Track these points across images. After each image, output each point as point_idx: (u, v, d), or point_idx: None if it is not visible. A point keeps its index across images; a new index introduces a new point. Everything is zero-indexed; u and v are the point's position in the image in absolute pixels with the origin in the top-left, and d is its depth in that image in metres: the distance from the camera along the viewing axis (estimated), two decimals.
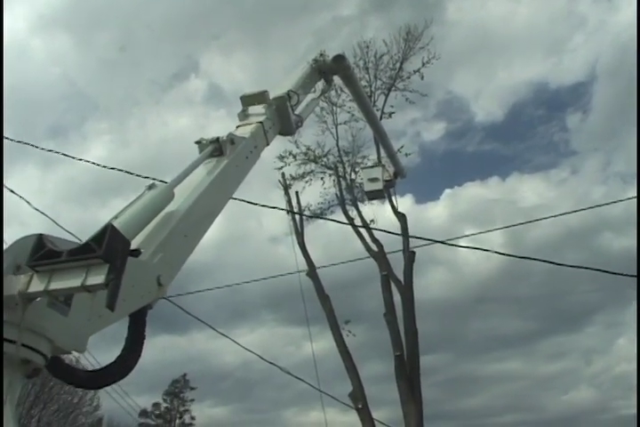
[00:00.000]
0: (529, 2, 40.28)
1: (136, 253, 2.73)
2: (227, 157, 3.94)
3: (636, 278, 8.86)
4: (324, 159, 21.07)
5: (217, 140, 3.99)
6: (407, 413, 16.45)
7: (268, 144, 4.90)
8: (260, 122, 4.74)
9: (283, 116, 5.23)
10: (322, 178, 20.95)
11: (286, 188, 20.52)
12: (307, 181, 20.91)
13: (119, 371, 2.62)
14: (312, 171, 20.99)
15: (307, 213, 20.72)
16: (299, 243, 19.12)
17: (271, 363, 11.54)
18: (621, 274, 8.95)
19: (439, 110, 36.41)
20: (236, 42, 36.37)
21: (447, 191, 38.75)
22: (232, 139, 4.08)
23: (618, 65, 38.52)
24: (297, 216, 20.02)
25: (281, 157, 20.60)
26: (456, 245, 10.21)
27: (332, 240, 24.66)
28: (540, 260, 9.03)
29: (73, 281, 2.22)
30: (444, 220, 35.59)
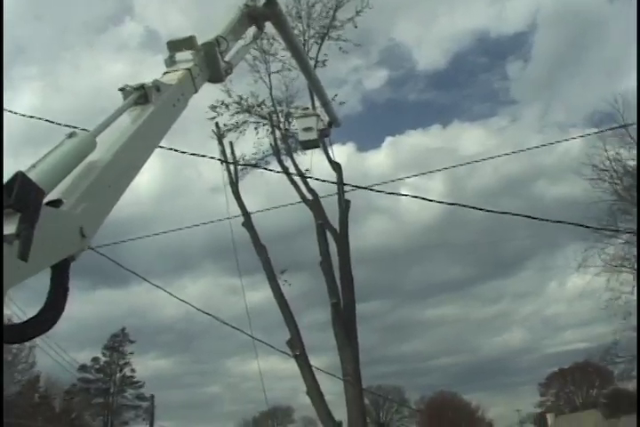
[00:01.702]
0: None
1: (56, 203, 2.64)
2: (152, 104, 3.81)
3: (562, 224, 9.19)
4: (258, 109, 20.82)
5: (142, 86, 3.83)
6: (344, 358, 16.90)
7: (196, 91, 4.76)
8: (188, 68, 4.59)
9: (211, 63, 5.07)
10: (256, 128, 20.76)
11: (220, 138, 20.24)
12: (240, 132, 20.69)
13: (40, 324, 2.55)
14: (246, 121, 20.76)
15: (241, 162, 20.57)
16: (233, 193, 19.03)
17: (208, 314, 11.56)
18: (561, 222, 9.25)
19: (381, 58, 36.32)
20: None
21: (389, 139, 39.00)
22: (158, 86, 3.93)
23: (558, 15, 39.14)
24: (232, 166, 19.84)
25: (213, 107, 20.25)
26: (383, 192, 10.26)
27: (270, 190, 24.63)
28: (474, 207, 9.24)
29: None
30: (385, 167, 35.97)
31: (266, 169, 19.57)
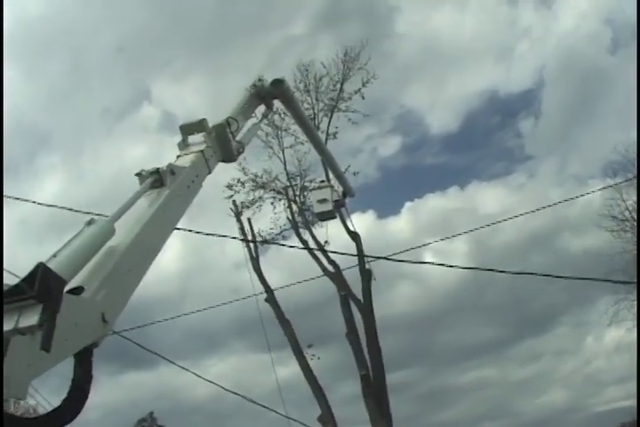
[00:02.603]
0: (474, 12, 41.45)
1: (78, 290, 2.67)
2: (168, 187, 3.90)
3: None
4: (273, 184, 21.12)
5: (157, 171, 3.94)
6: None
7: (210, 172, 4.87)
8: (201, 150, 4.71)
9: (223, 144, 5.21)
10: (272, 203, 20.97)
11: (238, 215, 20.45)
12: (257, 207, 20.92)
13: (65, 415, 2.52)
14: (261, 197, 21.01)
15: (259, 239, 20.67)
16: (254, 270, 19.03)
17: (236, 394, 11.35)
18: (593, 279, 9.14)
19: (394, 125, 36.93)
20: (189, 66, 36.25)
21: (408, 204, 39.05)
22: (172, 169, 4.04)
23: (563, 70, 39.87)
24: (252, 243, 19.95)
25: (229, 186, 20.56)
26: (404, 261, 10.25)
27: (291, 264, 24.61)
28: (492, 270, 9.16)
29: (6, 324, 2.15)
30: (407, 233, 35.87)
31: (284, 245, 19.64)
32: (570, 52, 38.20)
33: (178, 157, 4.71)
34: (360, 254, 18.29)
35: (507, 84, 46.35)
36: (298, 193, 21.04)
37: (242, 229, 20.19)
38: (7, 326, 2.15)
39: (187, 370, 10.69)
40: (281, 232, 21.13)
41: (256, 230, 20.74)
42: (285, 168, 20.94)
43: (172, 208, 3.89)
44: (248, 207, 20.76)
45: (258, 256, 19.78)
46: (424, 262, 11.17)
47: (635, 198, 23.11)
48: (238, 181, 20.62)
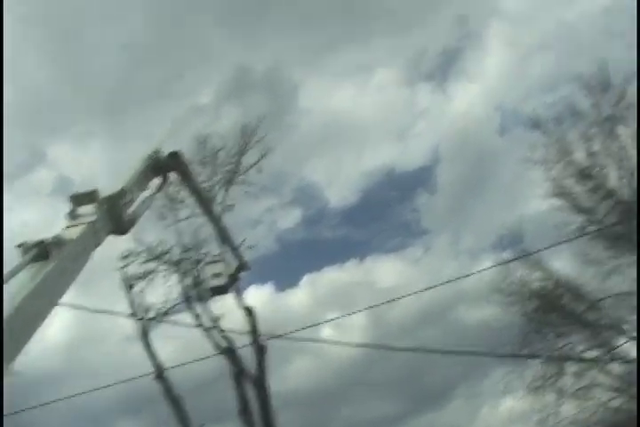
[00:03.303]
0: (374, 90, 43.56)
1: None
2: (52, 260, 3.72)
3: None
4: (167, 256, 20.63)
5: (41, 242, 3.76)
6: None
7: (98, 245, 4.71)
8: (91, 222, 4.56)
9: (114, 216, 5.07)
10: (164, 276, 20.38)
11: (129, 288, 19.75)
12: (149, 280, 20.26)
13: None
14: (154, 269, 20.42)
15: (152, 312, 19.93)
16: (144, 346, 18.30)
17: None
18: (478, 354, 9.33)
19: (294, 197, 37.39)
20: (89, 130, 35.51)
21: (306, 277, 38.99)
22: (58, 241, 3.87)
23: (457, 148, 42.11)
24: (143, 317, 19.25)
25: (124, 257, 19.91)
26: (298, 339, 10.18)
27: (184, 338, 23.82)
28: (388, 348, 9.20)
29: None
30: (305, 305, 35.71)
31: (176, 323, 19.11)
32: (463, 132, 40.58)
33: (66, 227, 4.54)
34: (253, 330, 18.02)
35: (404, 160, 48.33)
36: (192, 266, 20.63)
37: (132, 302, 19.47)
38: None
39: None
40: (174, 306, 20.51)
41: (148, 303, 20.04)
42: (179, 240, 20.58)
43: (55, 282, 3.71)
44: (140, 279, 20.12)
45: (147, 332, 19.01)
46: (317, 341, 11.14)
47: (522, 273, 24.06)
48: (133, 252, 20.03)
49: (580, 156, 22.37)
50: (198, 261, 20.41)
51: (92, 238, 4.52)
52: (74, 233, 4.30)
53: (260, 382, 17.87)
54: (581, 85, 22.17)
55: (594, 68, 21.77)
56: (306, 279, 38.60)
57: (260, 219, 30.21)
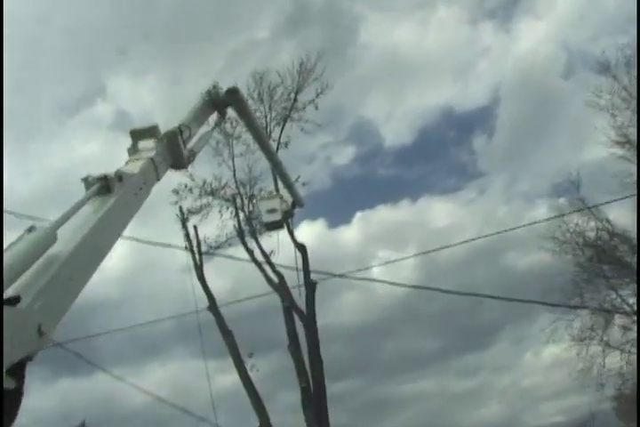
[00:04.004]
0: (436, 28, 42.31)
1: (14, 300, 2.53)
2: (114, 194, 3.77)
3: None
4: (222, 192, 20.89)
5: (104, 177, 3.81)
6: None
7: (158, 180, 4.75)
8: (151, 158, 4.59)
9: (174, 151, 5.10)
10: (219, 211, 20.73)
11: (184, 221, 20.16)
12: (204, 215, 20.64)
13: None
14: (209, 204, 20.75)
15: (205, 245, 20.38)
16: (198, 278, 18.80)
17: (172, 405, 11.15)
18: (517, 300, 9.30)
19: (350, 134, 37.03)
20: (146, 63, 35.49)
21: (359, 214, 38.99)
22: (120, 175, 3.91)
23: (519, 89, 40.76)
24: (197, 250, 19.71)
25: (176, 192, 20.24)
26: (350, 277, 10.28)
27: (236, 271, 24.33)
28: (437, 289, 9.24)
29: None
30: (356, 243, 35.87)
31: (229, 257, 19.49)
32: (526, 72, 39.22)
33: (127, 162, 4.58)
34: (305, 269, 18.26)
35: (463, 100, 47.17)
36: (246, 201, 20.88)
37: (187, 235, 19.89)
38: None
39: (121, 380, 10.45)
40: (227, 240, 20.90)
41: (202, 237, 20.48)
42: (235, 176, 20.76)
43: (117, 216, 3.77)
44: (195, 213, 20.49)
45: (202, 264, 19.52)
46: (370, 280, 11.20)
47: (578, 222, 23.62)
48: (185, 186, 20.35)
49: None
50: (253, 197, 20.65)
51: (152, 173, 4.57)
52: (135, 168, 4.34)
53: (309, 318, 18.25)
54: None
55: None
56: (358, 217, 38.67)
57: (314, 155, 30.13)
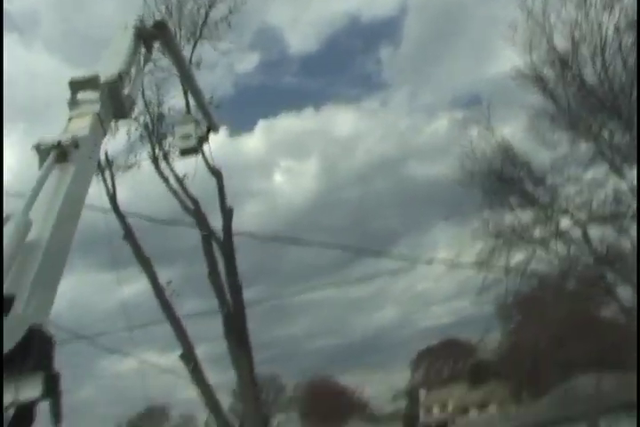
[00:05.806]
0: None
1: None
2: (72, 162, 3.59)
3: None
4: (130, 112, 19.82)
5: (59, 144, 3.59)
6: (239, 368, 16.96)
7: (105, 134, 4.56)
8: (97, 113, 4.34)
9: (116, 101, 4.85)
10: (127, 132, 19.70)
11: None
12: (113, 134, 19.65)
13: None
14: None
15: (115, 164, 19.50)
16: (113, 208, 18.25)
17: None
18: None
19: (253, 41, 35.37)
20: None
21: (262, 122, 38.37)
22: (76, 142, 3.70)
23: (426, 1, 40.18)
24: (108, 172, 18.99)
25: None
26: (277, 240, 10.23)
27: (146, 189, 23.60)
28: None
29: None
30: (259, 151, 35.61)
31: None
32: None
33: (70, 118, 4.32)
34: (222, 195, 18.15)
35: (370, 9, 46.19)
36: (155, 121, 20.02)
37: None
38: (7, 399, 2.15)
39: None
40: (137, 163, 20.03)
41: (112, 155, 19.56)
42: (143, 95, 19.66)
43: (80, 184, 3.72)
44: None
45: (115, 193, 18.82)
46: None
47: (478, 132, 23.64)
48: None
49: (560, 42, 20.97)
50: (161, 116, 19.88)
51: (100, 129, 4.39)
52: (83, 127, 4.11)
53: (227, 245, 18.20)
54: None
55: None
56: (261, 125, 37.92)
57: (216, 61, 28.90)
